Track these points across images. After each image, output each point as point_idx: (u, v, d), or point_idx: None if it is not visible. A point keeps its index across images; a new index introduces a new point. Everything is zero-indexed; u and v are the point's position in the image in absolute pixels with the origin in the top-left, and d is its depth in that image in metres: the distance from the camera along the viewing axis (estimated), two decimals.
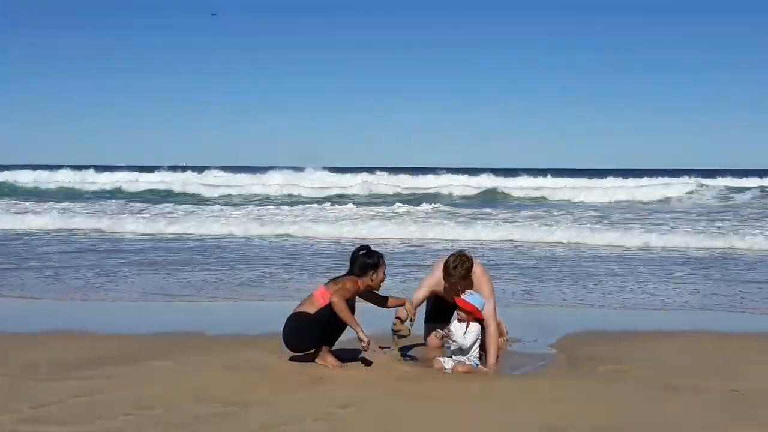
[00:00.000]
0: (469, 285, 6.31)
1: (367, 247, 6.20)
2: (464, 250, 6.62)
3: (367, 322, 5.94)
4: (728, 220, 21.47)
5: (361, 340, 5.76)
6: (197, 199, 31.71)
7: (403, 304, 6.34)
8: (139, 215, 21.97)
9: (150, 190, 36.00)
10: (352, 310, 6.02)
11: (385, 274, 6.18)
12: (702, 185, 35.27)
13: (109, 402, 4.77)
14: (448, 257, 6.37)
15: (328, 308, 5.82)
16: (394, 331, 6.24)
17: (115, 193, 34.93)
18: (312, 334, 5.91)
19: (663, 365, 6.23)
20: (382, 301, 6.32)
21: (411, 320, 6.28)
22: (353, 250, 6.24)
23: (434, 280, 6.55)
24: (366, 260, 6.08)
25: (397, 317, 6.28)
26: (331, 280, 6.13)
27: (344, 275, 6.10)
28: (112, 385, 5.16)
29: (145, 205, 26.50)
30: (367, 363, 5.94)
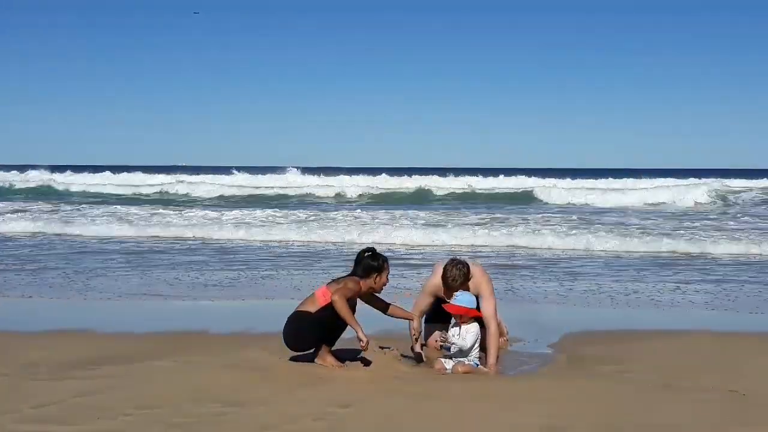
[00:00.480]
0: (467, 288, 6.30)
1: (372, 250, 6.19)
2: (455, 257, 6.60)
3: (367, 323, 5.95)
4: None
5: (360, 340, 5.76)
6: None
7: (409, 318, 6.33)
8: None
9: (112, 194, 35.53)
10: (353, 310, 6.02)
11: (388, 279, 6.17)
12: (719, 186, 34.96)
13: (109, 402, 4.77)
14: (444, 268, 6.32)
15: (329, 308, 5.82)
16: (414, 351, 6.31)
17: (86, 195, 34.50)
18: (312, 333, 5.90)
19: (663, 365, 6.23)
20: (384, 308, 6.30)
21: (415, 339, 6.28)
22: (359, 251, 6.24)
23: (435, 286, 6.50)
24: (370, 262, 6.07)
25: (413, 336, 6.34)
26: (333, 279, 6.13)
27: (347, 275, 6.10)
28: (112, 385, 5.16)
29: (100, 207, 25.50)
30: (367, 363, 5.93)
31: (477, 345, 6.10)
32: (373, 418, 4.56)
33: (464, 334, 6.04)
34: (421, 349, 6.34)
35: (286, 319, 6.04)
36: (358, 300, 6.11)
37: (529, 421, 4.52)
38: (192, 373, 5.52)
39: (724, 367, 6.14)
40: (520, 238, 16.85)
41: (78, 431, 4.26)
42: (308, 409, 4.67)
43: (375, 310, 6.32)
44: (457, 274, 6.23)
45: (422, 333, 6.51)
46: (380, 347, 6.08)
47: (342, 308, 5.78)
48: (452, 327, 6.17)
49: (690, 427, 4.49)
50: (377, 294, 6.22)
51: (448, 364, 6.07)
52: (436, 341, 6.42)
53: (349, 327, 5.93)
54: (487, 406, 4.85)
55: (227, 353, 6.21)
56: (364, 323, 5.81)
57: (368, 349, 5.83)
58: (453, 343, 6.05)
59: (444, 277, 6.29)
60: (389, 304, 6.33)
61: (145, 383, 5.24)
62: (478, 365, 6.07)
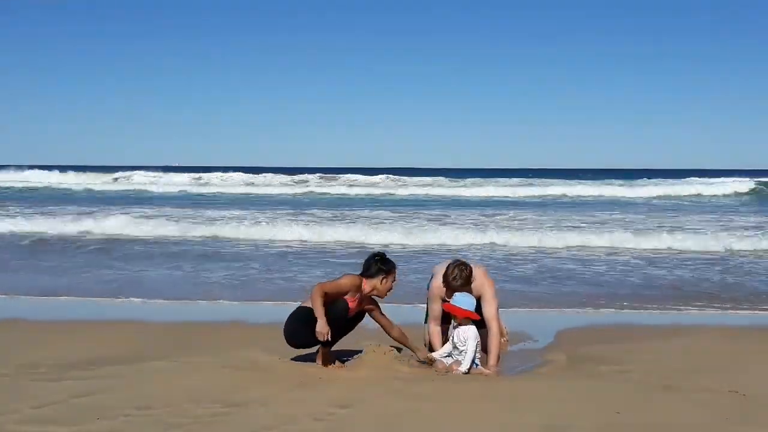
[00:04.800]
0: (469, 291, 6.28)
1: (382, 254, 6.21)
2: (459, 258, 6.57)
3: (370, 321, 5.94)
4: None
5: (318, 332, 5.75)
6: None
7: (408, 345, 6.30)
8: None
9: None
10: (360, 317, 6.04)
11: (393, 286, 6.18)
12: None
13: (109, 402, 4.77)
14: (447, 267, 6.31)
15: (329, 305, 5.82)
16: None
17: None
18: (309, 330, 5.86)
19: (663, 365, 6.23)
20: (388, 326, 6.28)
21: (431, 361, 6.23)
22: (368, 255, 6.24)
23: (438, 289, 6.47)
24: (380, 266, 6.08)
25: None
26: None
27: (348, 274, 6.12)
28: (112, 385, 5.15)
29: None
30: (367, 363, 5.93)
31: (477, 347, 6.09)
32: (373, 418, 4.56)
33: (463, 340, 6.03)
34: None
35: (288, 316, 6.04)
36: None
37: (529, 421, 4.51)
38: (192, 373, 5.52)
39: (724, 367, 6.14)
40: None
41: (78, 431, 4.26)
42: (308, 410, 4.67)
43: (396, 310, 6.33)
44: (458, 273, 6.21)
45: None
46: (380, 346, 6.07)
47: (314, 295, 5.77)
48: (453, 329, 6.16)
49: (690, 427, 4.49)
50: (382, 312, 6.25)
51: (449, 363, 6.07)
52: (442, 361, 6.28)
53: (357, 325, 6.00)
54: (487, 406, 4.85)
55: (227, 353, 6.21)
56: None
57: (324, 339, 5.74)
58: (461, 352, 6.03)
59: (445, 275, 6.27)
60: (394, 325, 6.31)
61: (145, 383, 5.24)
62: (478, 366, 6.07)
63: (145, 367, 5.73)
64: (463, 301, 6.10)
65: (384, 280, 6.09)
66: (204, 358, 6.04)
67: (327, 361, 5.92)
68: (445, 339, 6.62)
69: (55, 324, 7.98)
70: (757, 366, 6.20)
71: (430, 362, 6.16)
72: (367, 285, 6.05)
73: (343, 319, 5.96)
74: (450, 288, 6.25)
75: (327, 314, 5.76)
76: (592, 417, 4.60)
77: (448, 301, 6.16)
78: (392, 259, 6.23)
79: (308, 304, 5.94)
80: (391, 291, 6.20)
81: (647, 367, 6.15)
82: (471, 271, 6.26)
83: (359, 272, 6.13)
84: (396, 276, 6.19)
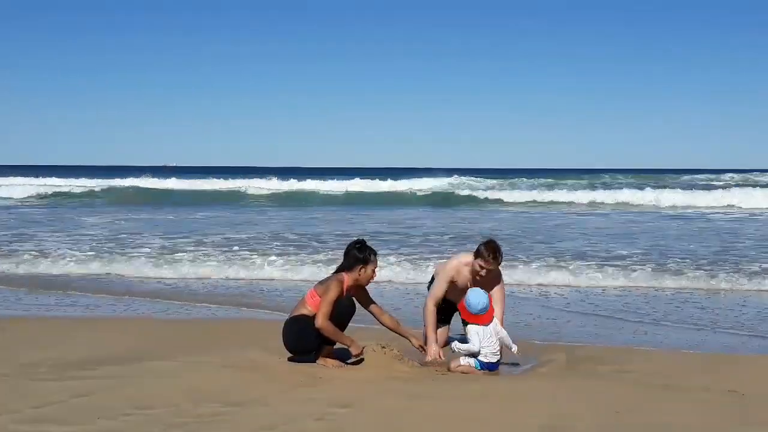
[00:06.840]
0: (497, 276, 6.30)
1: (361, 242, 6.14)
2: (492, 238, 6.52)
3: (369, 320, 5.91)
4: None
5: (353, 355, 5.87)
6: None
7: (400, 332, 6.28)
8: None
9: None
10: (353, 308, 6.03)
11: (374, 272, 6.14)
12: None
13: (109, 402, 4.76)
14: (488, 244, 6.27)
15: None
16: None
17: None
18: (313, 334, 5.89)
19: (663, 365, 6.23)
20: (379, 313, 6.29)
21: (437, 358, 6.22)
22: (349, 242, 6.22)
23: (454, 269, 6.40)
24: (357, 254, 6.03)
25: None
26: (320, 282, 6.12)
27: (332, 274, 6.11)
28: (112, 385, 5.15)
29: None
30: (368, 363, 5.93)
31: (480, 341, 6.05)
32: (373, 418, 4.56)
33: (470, 336, 6.04)
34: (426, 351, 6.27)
35: (284, 325, 6.05)
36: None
37: (529, 421, 4.51)
38: (192, 373, 5.52)
39: (724, 367, 6.15)
40: None
41: (78, 431, 4.26)
42: (308, 409, 4.67)
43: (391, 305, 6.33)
44: (498, 249, 6.22)
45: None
46: (381, 346, 6.09)
47: (330, 331, 5.81)
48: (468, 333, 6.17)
49: (690, 427, 4.49)
50: (371, 300, 6.25)
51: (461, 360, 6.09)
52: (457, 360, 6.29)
53: (350, 323, 5.99)
54: (487, 406, 4.85)
55: (227, 353, 6.21)
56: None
57: (361, 355, 5.89)
58: (469, 352, 6.05)
59: (489, 248, 6.20)
60: (384, 312, 6.32)
61: (145, 383, 5.24)
62: (479, 368, 6.04)
63: (145, 367, 5.73)
64: (481, 303, 6.03)
65: (362, 270, 6.02)
66: (204, 357, 6.05)
67: (329, 361, 5.92)
68: (444, 340, 6.63)
69: (55, 324, 7.99)
70: (757, 366, 6.20)
71: (422, 349, 6.19)
72: (348, 279, 6.02)
73: (349, 308, 6.04)
74: (489, 263, 6.19)
75: (335, 316, 5.85)
76: (592, 417, 4.60)
77: (470, 312, 6.10)
78: (371, 246, 6.15)
79: (300, 312, 5.96)
80: (374, 277, 6.16)
81: (647, 367, 6.15)
82: (502, 256, 6.31)
83: (340, 265, 6.12)
84: (377, 262, 6.12)
